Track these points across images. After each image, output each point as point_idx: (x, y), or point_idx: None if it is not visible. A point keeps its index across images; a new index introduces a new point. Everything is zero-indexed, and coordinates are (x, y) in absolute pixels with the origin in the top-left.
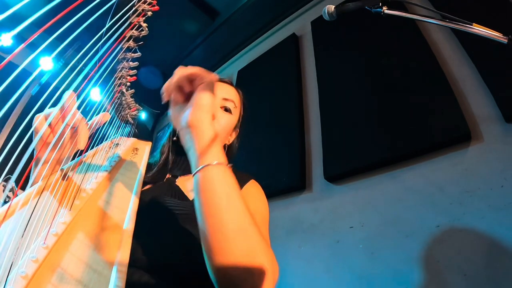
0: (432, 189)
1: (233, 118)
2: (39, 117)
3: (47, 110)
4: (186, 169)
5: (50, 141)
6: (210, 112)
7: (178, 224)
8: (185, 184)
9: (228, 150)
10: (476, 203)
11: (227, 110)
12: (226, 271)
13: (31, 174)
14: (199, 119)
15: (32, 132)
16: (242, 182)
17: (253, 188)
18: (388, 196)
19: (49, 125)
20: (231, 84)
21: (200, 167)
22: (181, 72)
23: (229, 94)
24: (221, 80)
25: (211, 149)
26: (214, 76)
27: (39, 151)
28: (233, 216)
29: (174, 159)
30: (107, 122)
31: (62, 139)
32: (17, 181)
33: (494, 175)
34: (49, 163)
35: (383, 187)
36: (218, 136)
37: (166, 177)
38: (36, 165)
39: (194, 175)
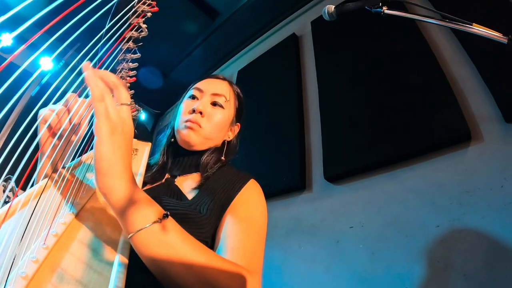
0: (432, 189)
1: (226, 113)
2: (44, 110)
3: (51, 105)
4: (184, 169)
5: (56, 132)
6: (119, 169)
7: None
8: (184, 184)
9: (228, 147)
10: (476, 203)
11: (216, 104)
12: None
13: (38, 164)
14: (108, 187)
15: (33, 131)
16: (241, 183)
17: (251, 191)
18: (388, 196)
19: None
20: (223, 79)
21: (129, 236)
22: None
23: (218, 89)
24: (211, 76)
25: (134, 215)
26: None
27: (44, 144)
28: (181, 268)
29: (173, 160)
30: None
31: (67, 132)
32: (17, 182)
33: (494, 175)
34: (53, 157)
35: (383, 187)
36: (137, 194)
37: (165, 177)
38: (40, 158)
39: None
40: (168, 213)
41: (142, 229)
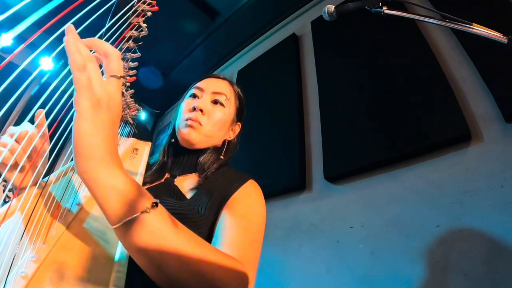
0: (432, 189)
1: (226, 111)
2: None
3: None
4: (184, 169)
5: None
6: (101, 151)
7: None
8: (183, 183)
9: (228, 146)
10: (476, 203)
11: (217, 103)
12: None
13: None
14: (87, 171)
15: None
16: (239, 183)
17: (250, 189)
18: (388, 196)
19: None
20: (223, 78)
21: (114, 227)
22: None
23: (218, 87)
24: (211, 76)
25: (118, 204)
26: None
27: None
28: (174, 261)
29: (173, 159)
30: None
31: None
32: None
33: (494, 175)
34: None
35: (383, 187)
36: (121, 181)
37: (165, 177)
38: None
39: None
40: (158, 201)
41: (128, 219)
